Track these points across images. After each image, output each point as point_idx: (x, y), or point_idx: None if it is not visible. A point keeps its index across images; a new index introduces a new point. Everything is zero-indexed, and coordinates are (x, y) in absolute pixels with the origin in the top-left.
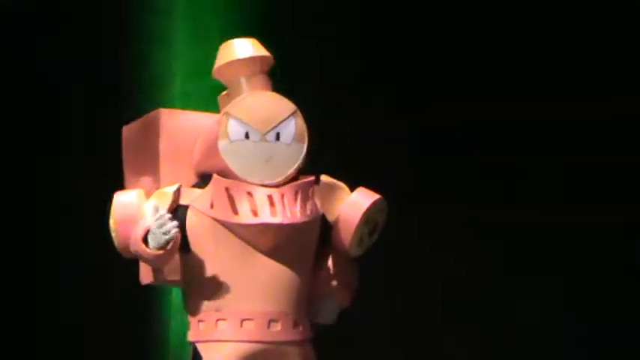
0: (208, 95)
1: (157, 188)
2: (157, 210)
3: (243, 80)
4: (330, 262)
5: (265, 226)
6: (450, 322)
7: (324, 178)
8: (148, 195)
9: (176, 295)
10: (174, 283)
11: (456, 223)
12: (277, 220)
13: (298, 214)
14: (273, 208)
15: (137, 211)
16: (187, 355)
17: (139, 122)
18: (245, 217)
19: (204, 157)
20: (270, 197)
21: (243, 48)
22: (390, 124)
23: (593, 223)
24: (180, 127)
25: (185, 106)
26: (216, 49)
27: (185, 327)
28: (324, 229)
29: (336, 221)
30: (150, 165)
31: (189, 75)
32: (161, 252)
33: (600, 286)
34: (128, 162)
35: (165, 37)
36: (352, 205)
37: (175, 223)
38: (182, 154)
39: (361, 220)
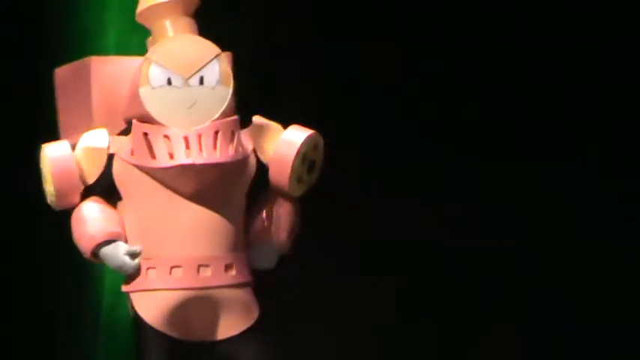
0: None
1: None
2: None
3: (166, 23)
4: (267, 205)
5: (181, 168)
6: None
7: (255, 118)
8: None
9: None
10: None
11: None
12: (190, 160)
13: (217, 155)
14: (188, 149)
15: (74, 166)
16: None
17: (71, 67)
18: (161, 160)
19: (128, 103)
20: (185, 138)
21: None
22: None
23: None
24: (112, 73)
25: None
26: None
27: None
28: (259, 170)
29: (271, 161)
30: (84, 112)
31: (125, 29)
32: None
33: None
34: (62, 106)
35: None
36: (285, 142)
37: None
38: (115, 101)
39: (296, 156)
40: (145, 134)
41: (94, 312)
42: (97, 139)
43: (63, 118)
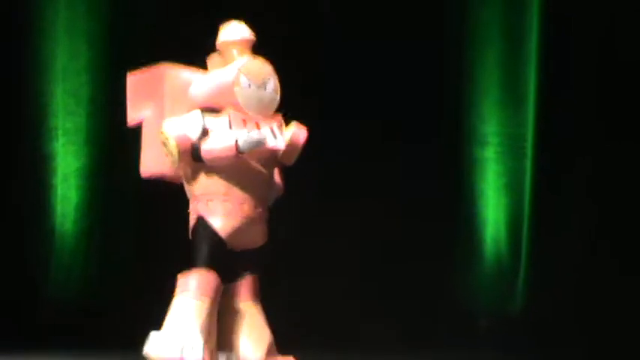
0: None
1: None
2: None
3: (234, 52)
4: (276, 170)
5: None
6: None
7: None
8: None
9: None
10: (173, 178)
11: None
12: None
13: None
14: (258, 129)
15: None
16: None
17: (144, 72)
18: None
19: (217, 96)
20: (257, 123)
21: (237, 31)
22: None
23: None
24: (181, 79)
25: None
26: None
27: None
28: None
29: (287, 145)
30: (154, 106)
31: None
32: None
33: None
34: (132, 102)
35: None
36: (295, 135)
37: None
38: (183, 98)
39: (302, 145)
40: (244, 120)
41: (51, 225)
42: (193, 116)
43: (131, 111)
